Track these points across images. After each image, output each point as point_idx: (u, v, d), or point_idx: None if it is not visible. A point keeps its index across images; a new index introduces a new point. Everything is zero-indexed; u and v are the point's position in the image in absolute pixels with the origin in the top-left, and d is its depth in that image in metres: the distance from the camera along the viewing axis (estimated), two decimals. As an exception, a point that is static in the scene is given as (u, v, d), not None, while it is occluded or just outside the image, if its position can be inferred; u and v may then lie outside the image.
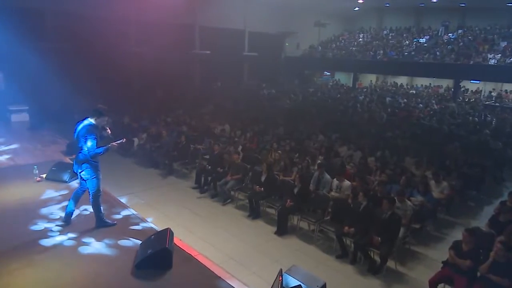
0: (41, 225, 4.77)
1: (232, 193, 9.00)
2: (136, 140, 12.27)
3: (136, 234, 4.58)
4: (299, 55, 32.67)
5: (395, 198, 6.61)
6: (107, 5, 19.53)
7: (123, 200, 8.76)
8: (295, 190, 7.64)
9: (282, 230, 7.43)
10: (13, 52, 16.09)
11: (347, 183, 7.73)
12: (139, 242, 4.36)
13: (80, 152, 4.90)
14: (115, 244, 4.32)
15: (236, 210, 8.59)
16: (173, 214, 8.27)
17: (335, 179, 7.89)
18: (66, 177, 6.28)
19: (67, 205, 5.06)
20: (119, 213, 5.22)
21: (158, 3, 20.80)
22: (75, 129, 4.92)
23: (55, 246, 4.24)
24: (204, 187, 9.45)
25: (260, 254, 6.73)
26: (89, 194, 5.06)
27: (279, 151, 10.19)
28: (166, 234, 4.12)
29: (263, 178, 8.36)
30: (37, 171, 6.37)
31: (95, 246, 4.28)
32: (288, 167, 9.02)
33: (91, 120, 5.04)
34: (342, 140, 11.27)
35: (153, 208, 8.55)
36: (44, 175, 6.38)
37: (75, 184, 6.35)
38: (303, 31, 31.86)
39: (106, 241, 4.40)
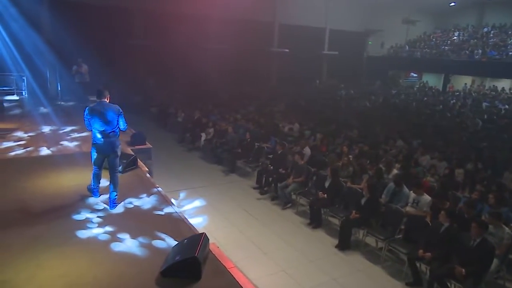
0: (83, 215, 4.64)
1: (294, 197, 8.33)
2: (203, 135, 12.21)
3: (173, 234, 4.16)
4: (383, 55, 30.52)
5: (488, 221, 5.36)
6: (190, 2, 20.06)
7: (181, 194, 8.74)
8: (363, 201, 6.70)
9: (345, 244, 6.57)
10: (100, 48, 17.28)
11: (426, 198, 6.56)
12: (173, 244, 3.92)
13: (113, 131, 4.94)
14: (148, 244, 3.98)
15: (295, 216, 7.90)
16: (229, 213, 7.89)
17: (411, 191, 6.76)
18: (121, 167, 6.16)
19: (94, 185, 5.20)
20: (161, 210, 4.86)
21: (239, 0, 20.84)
22: (93, 112, 4.84)
23: (89, 240, 4.04)
24: (265, 188, 8.91)
25: (317, 269, 5.98)
26: (114, 173, 5.06)
27: (350, 155, 9.23)
28: (199, 240, 3.62)
29: (327, 184, 7.55)
30: (95, 159, 6.36)
31: (127, 243, 3.99)
32: (357, 174, 8.06)
33: (105, 100, 4.99)
34: (425, 148, 9.86)
35: (209, 205, 8.28)
36: (102, 164, 6.32)
37: (128, 175, 6.21)
38: (388, 28, 29.68)
39: (140, 239, 4.09)
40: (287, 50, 25.50)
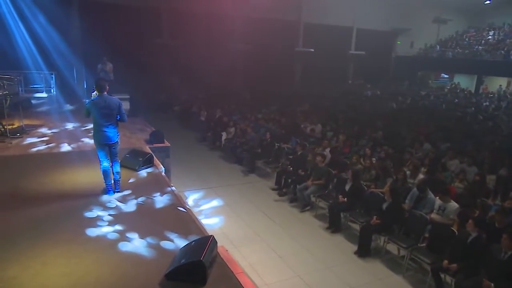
0: (95, 212, 4.62)
1: (313, 199, 8.09)
2: (224, 134, 12.13)
3: (183, 235, 4.05)
4: (413, 55, 29.55)
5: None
6: (216, 2, 20.08)
7: (199, 194, 8.67)
8: (384, 206, 6.39)
9: (364, 251, 6.28)
10: (126, 47, 17.54)
11: (453, 205, 6.17)
12: (182, 245, 3.80)
13: (112, 123, 5.21)
14: (156, 244, 3.89)
15: (314, 220, 7.66)
16: (245, 214, 7.74)
17: (437, 198, 6.39)
18: (137, 165, 6.14)
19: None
20: (174, 209, 4.77)
21: (264, -1, 20.72)
22: (95, 105, 5.09)
23: (97, 238, 3.99)
24: (283, 189, 8.71)
25: (334, 276, 5.74)
26: (116, 159, 5.38)
27: (373, 158, 8.88)
28: (207, 242, 3.48)
29: (347, 187, 7.26)
30: (112, 157, 6.36)
31: (135, 243, 3.91)
32: (380, 178, 7.73)
33: (105, 94, 5.22)
34: (454, 152, 9.35)
35: (227, 205, 8.17)
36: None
37: (143, 173, 6.17)
38: (418, 28, 28.75)
39: (149, 239, 4.00)
40: (312, 50, 25.12)
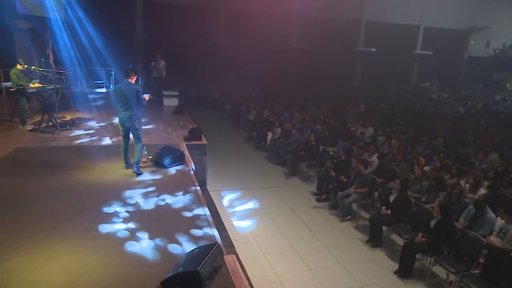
0: (113, 208, 4.56)
1: (355, 208, 7.46)
2: (270, 134, 11.81)
3: (193, 239, 3.81)
4: (488, 55, 26.83)
5: None
6: (275, 1, 19.83)
7: (235, 194, 8.45)
8: (432, 223, 5.63)
9: (406, 271, 5.59)
10: (183, 45, 17.96)
11: (518, 227, 5.24)
12: (187, 250, 3.56)
13: (130, 107, 5.65)
14: (163, 247, 3.70)
15: (354, 231, 7.05)
16: (280, 219, 7.36)
17: (499, 217, 5.48)
18: (166, 162, 6.06)
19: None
20: (191, 211, 4.54)
21: (324, -3, 20.05)
22: (115, 91, 5.75)
23: (107, 235, 3.91)
24: (323, 195, 8.17)
25: (368, 298, 5.15)
26: (136, 142, 5.86)
27: (428, 167, 7.99)
28: (209, 251, 3.18)
29: (392, 198, 6.56)
30: (145, 152, 6.36)
31: (143, 244, 3.75)
32: (433, 190, 6.88)
33: (129, 80, 5.71)
34: (528, 165, 8.11)
35: (262, 208, 7.85)
36: (150, 157, 6.29)
37: (172, 170, 6.06)
38: (496, 26, 25.95)
39: (157, 241, 3.83)
40: (373, 49, 23.87)
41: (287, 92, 20.00)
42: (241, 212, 7.62)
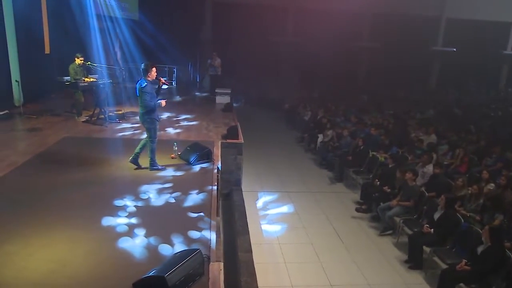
0: (123, 202, 4.58)
1: (398, 222, 6.72)
2: (320, 136, 11.29)
3: (187, 241, 3.68)
4: None
5: None
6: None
7: (272, 196, 8.17)
8: (480, 249, 4.79)
9: (443, 302, 4.84)
10: (248, 44, 18.03)
11: None
12: (176, 252, 3.43)
13: (141, 105, 5.53)
14: (154, 247, 3.62)
15: (393, 248, 6.36)
16: (312, 227, 6.93)
17: None
18: (192, 159, 6.00)
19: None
20: (197, 211, 4.41)
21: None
22: (136, 88, 5.53)
23: (107, 228, 3.94)
24: (363, 206, 7.52)
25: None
26: (149, 140, 5.72)
27: (492, 184, 6.90)
28: (185, 257, 2.99)
29: (436, 215, 5.76)
30: (176, 148, 6.38)
31: (136, 241, 3.71)
32: (489, 210, 5.90)
33: (143, 78, 5.46)
34: None
35: (296, 213, 7.48)
36: (180, 153, 6.30)
37: (197, 168, 5.98)
38: None
39: (151, 239, 3.73)
40: (454, 49, 21.71)
41: (351, 93, 19.04)
42: (272, 216, 7.32)
